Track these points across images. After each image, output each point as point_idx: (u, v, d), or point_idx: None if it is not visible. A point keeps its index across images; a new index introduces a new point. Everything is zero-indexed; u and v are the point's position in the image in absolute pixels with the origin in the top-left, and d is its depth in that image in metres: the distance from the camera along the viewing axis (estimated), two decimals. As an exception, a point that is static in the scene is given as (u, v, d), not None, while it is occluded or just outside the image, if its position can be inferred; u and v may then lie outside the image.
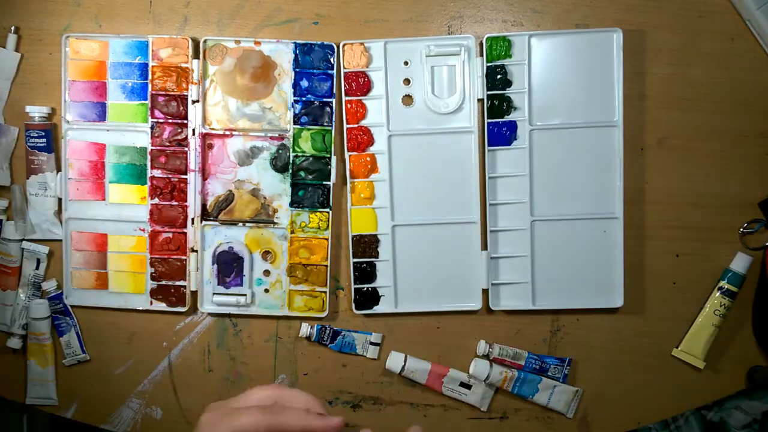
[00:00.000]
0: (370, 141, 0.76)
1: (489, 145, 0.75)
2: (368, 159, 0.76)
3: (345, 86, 0.75)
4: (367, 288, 0.78)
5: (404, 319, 0.79)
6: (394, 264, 0.77)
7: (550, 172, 0.76)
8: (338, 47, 0.75)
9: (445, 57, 0.75)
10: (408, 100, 0.77)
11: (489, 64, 0.75)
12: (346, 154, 0.76)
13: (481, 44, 0.75)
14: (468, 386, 0.78)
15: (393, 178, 0.77)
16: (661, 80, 0.77)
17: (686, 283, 0.78)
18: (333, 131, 0.76)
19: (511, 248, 0.77)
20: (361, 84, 0.75)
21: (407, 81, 0.76)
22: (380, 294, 0.78)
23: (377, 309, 0.78)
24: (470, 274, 0.77)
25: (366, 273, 0.77)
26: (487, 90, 0.75)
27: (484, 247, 0.77)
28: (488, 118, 0.75)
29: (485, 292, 0.77)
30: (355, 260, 0.77)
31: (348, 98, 0.76)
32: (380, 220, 0.77)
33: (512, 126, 0.75)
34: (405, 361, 0.77)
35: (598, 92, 0.75)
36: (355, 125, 0.76)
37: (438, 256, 0.77)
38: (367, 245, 0.77)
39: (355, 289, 0.78)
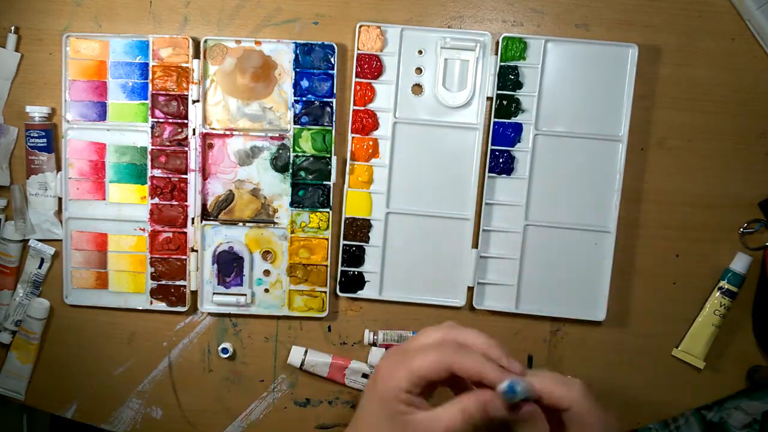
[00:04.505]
0: (375, 125, 0.76)
1: (492, 144, 0.75)
2: (370, 143, 0.76)
3: (356, 68, 0.75)
4: (354, 272, 0.78)
5: (405, 320, 0.79)
6: (383, 251, 0.77)
7: (550, 178, 0.76)
8: (357, 28, 0.75)
9: (459, 51, 0.75)
10: (418, 89, 0.77)
11: (503, 64, 0.75)
12: (349, 136, 0.76)
13: (497, 43, 0.75)
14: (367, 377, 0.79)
15: (393, 165, 0.77)
16: (661, 80, 0.76)
17: (686, 283, 0.78)
18: (333, 131, 0.76)
19: (502, 249, 0.77)
20: (373, 67, 0.75)
21: (419, 70, 0.76)
22: (366, 279, 0.78)
23: (361, 294, 0.78)
24: (457, 271, 0.77)
25: (354, 256, 0.77)
26: (498, 89, 0.75)
27: (475, 245, 0.77)
28: (495, 117, 0.75)
29: (470, 290, 0.77)
30: (345, 242, 0.77)
31: (358, 80, 0.76)
32: (375, 206, 0.77)
33: (518, 128, 0.75)
34: (305, 355, 0.78)
35: (606, 105, 0.75)
36: (362, 107, 0.76)
37: (428, 249, 0.77)
38: (359, 229, 0.77)
39: (341, 271, 0.78)
